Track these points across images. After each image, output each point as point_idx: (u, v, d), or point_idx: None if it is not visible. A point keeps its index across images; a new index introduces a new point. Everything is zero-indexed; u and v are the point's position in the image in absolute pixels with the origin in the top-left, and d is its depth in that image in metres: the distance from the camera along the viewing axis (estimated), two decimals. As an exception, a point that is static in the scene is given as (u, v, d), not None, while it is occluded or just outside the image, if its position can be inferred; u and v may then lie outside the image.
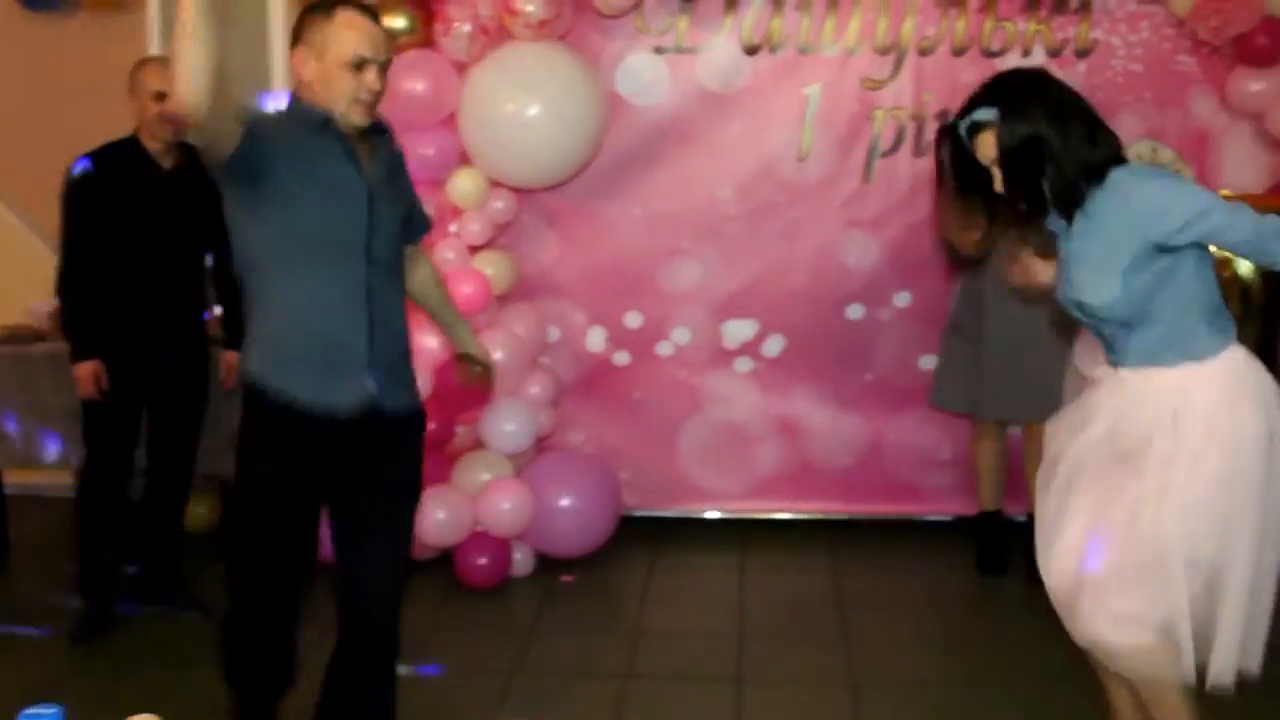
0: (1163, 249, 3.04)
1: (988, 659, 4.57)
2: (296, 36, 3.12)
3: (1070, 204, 3.11)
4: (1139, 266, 3.07)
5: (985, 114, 3.12)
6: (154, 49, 5.62)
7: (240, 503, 3.26)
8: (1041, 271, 3.47)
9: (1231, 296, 5.23)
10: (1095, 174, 3.07)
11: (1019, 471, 5.43)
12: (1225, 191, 5.32)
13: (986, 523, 5.43)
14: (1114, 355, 3.26)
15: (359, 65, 3.06)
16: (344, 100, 3.07)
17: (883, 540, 5.70)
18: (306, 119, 3.10)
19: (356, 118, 3.10)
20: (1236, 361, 3.17)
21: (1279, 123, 5.20)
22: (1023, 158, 3.07)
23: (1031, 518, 5.25)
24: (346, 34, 3.05)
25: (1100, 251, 3.10)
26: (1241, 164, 5.41)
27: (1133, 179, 3.07)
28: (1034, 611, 4.98)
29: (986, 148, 3.14)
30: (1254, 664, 3.19)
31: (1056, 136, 3.05)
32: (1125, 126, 5.45)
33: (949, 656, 4.60)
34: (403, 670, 3.56)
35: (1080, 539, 3.26)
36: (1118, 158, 3.13)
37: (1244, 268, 5.24)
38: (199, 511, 5.39)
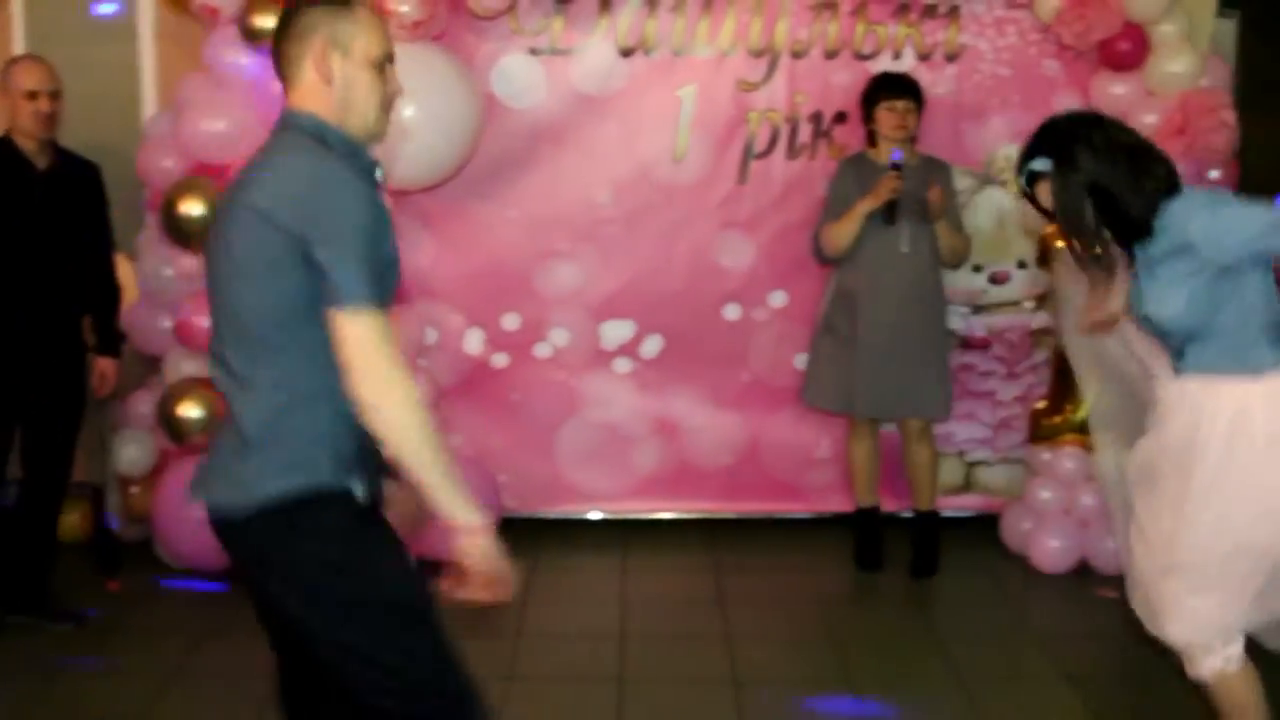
0: (1225, 269, 3.14)
1: (868, 654, 4.65)
2: (307, 32, 2.57)
3: (1130, 239, 3.21)
4: (1202, 283, 3.15)
5: (1040, 164, 3.24)
6: (20, 48, 5.49)
7: (400, 635, 2.60)
8: (1115, 302, 3.50)
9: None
10: (1150, 210, 3.16)
11: (894, 468, 5.54)
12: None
13: (863, 519, 5.51)
14: (1178, 363, 3.32)
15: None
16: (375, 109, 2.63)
17: (762, 538, 5.76)
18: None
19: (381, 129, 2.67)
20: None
21: (1142, 126, 5.33)
22: (1077, 205, 3.18)
23: (917, 514, 5.40)
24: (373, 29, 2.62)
25: (1166, 271, 3.18)
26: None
27: (1185, 211, 3.15)
28: (913, 605, 5.13)
29: (1045, 196, 3.25)
30: None
31: (1107, 180, 3.15)
32: (993, 129, 5.59)
33: (830, 652, 4.67)
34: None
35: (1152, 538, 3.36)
36: (1171, 187, 3.20)
37: None
38: (70, 520, 5.27)
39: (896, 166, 4.99)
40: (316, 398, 2.49)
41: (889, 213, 5.03)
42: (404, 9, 4.94)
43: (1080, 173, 3.16)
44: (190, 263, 5.09)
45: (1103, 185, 3.15)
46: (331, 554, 2.52)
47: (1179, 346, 3.30)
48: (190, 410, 4.95)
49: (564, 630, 4.80)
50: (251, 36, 4.95)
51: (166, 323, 5.15)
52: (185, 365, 5.09)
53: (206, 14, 5.08)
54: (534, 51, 5.46)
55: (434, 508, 2.51)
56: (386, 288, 2.52)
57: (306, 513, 2.50)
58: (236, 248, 2.47)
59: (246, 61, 5.04)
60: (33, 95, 4.37)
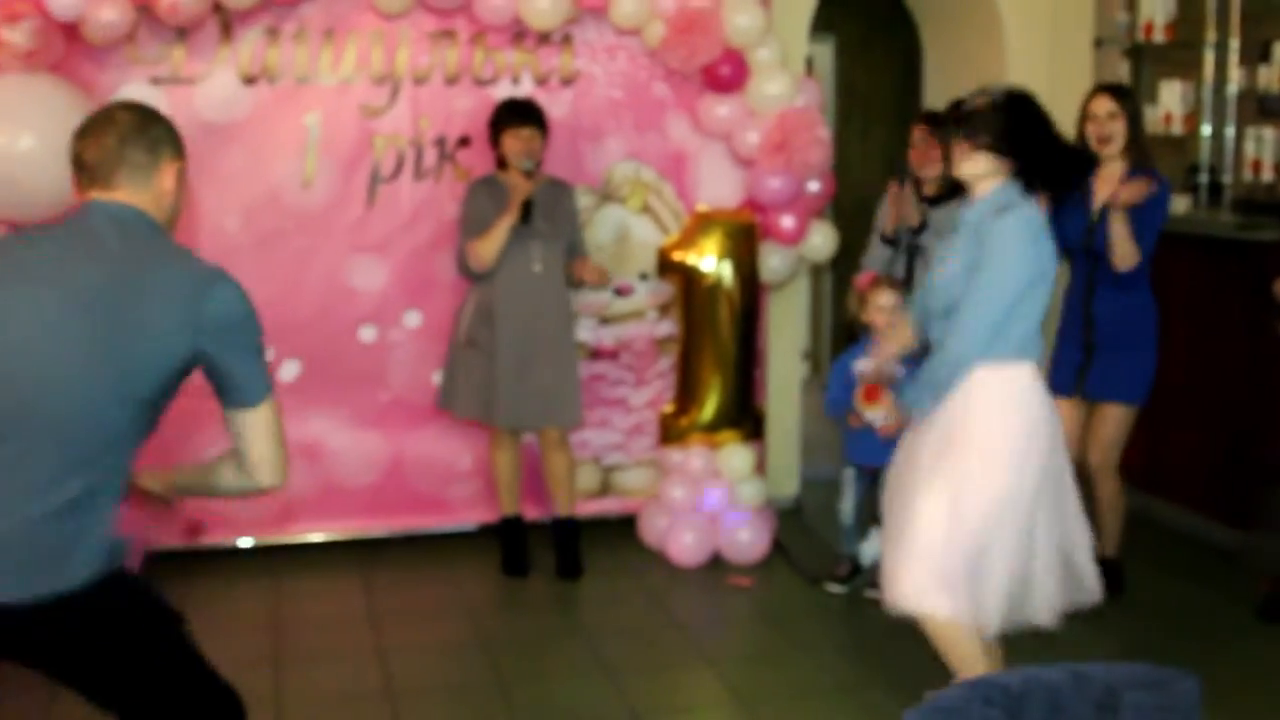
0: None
1: (520, 655, 4.83)
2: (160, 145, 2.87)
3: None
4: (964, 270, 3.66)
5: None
6: None
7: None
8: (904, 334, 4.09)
9: (717, 302, 5.74)
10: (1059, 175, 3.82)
11: (535, 476, 5.75)
12: (703, 207, 5.83)
13: (508, 527, 5.69)
14: (932, 338, 3.84)
15: None
16: None
17: (412, 553, 5.86)
18: None
19: None
20: (1026, 377, 3.72)
21: (745, 143, 5.72)
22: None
23: (559, 519, 5.60)
24: None
25: (964, 245, 3.69)
26: (716, 181, 5.92)
27: (1004, 217, 3.64)
28: (561, 606, 5.34)
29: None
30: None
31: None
32: (610, 149, 5.87)
33: (483, 657, 4.81)
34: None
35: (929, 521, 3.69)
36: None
37: (726, 277, 5.73)
38: None
39: (528, 172, 5.24)
40: None
41: (525, 213, 5.23)
42: (15, 39, 4.82)
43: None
44: None
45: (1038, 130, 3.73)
46: None
47: (936, 318, 3.78)
48: None
49: (217, 659, 4.75)
50: None
51: None
52: None
53: None
54: (155, 81, 5.39)
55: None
56: None
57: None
58: None
59: None
60: None
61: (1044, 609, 3.72)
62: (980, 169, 3.72)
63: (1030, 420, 3.68)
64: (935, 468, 3.69)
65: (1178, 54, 6.60)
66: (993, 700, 1.91)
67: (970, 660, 3.68)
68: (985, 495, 3.61)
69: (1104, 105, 5.00)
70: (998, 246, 3.60)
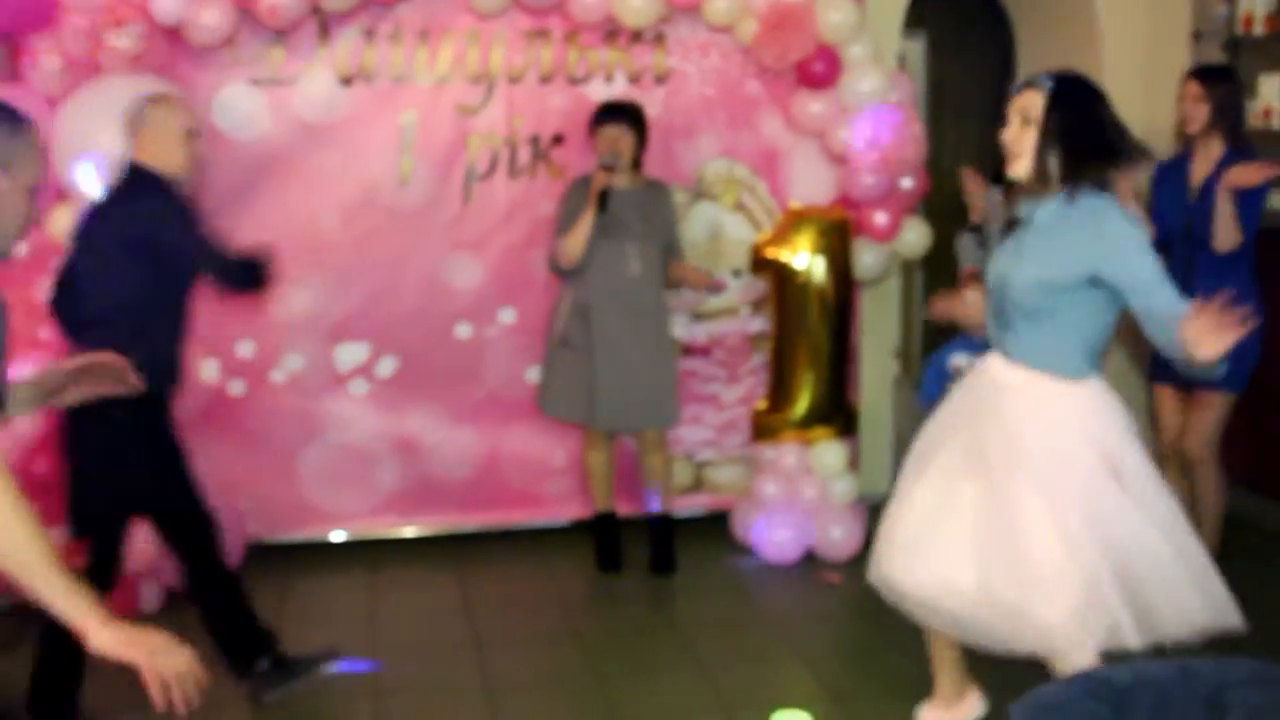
0: (1095, 278, 3.39)
1: (613, 649, 4.86)
2: None
3: (1084, 163, 3.45)
4: (1070, 275, 3.41)
5: (1045, 80, 3.46)
6: None
7: None
8: (975, 307, 3.87)
9: (810, 299, 5.74)
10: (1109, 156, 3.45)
11: (629, 472, 5.78)
12: (796, 203, 5.83)
13: (602, 524, 5.73)
14: (1003, 337, 3.61)
15: None
16: None
17: (506, 548, 5.92)
18: None
19: None
20: (1100, 389, 3.53)
21: (838, 140, 5.70)
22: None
23: (653, 516, 5.61)
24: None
25: (1062, 240, 3.42)
26: (808, 179, 5.91)
27: (1111, 212, 3.40)
28: (653, 601, 5.36)
29: (1028, 104, 3.48)
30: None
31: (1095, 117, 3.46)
32: (702, 147, 5.89)
33: (578, 651, 4.86)
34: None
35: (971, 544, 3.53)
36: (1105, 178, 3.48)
37: (819, 273, 5.72)
38: None
39: (607, 167, 5.25)
40: None
41: (602, 204, 5.24)
42: (122, 43, 4.93)
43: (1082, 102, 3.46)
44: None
45: (1093, 118, 3.45)
46: None
47: (1010, 320, 3.55)
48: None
49: (317, 649, 4.85)
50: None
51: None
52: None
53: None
54: (255, 81, 5.50)
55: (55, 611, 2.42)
56: None
57: None
58: None
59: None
60: None
61: (1173, 620, 3.48)
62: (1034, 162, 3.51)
63: (1122, 432, 3.53)
64: (1012, 481, 3.50)
65: (1278, 47, 6.48)
66: (1099, 695, 1.91)
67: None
68: (1091, 508, 3.45)
69: (1191, 89, 5.12)
70: (1120, 227, 3.40)
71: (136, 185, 4.16)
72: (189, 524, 4.27)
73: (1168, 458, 5.25)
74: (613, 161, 5.27)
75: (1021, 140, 3.49)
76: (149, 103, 4.25)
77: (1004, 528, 3.48)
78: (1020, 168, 3.50)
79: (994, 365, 3.65)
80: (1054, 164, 3.44)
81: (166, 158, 4.20)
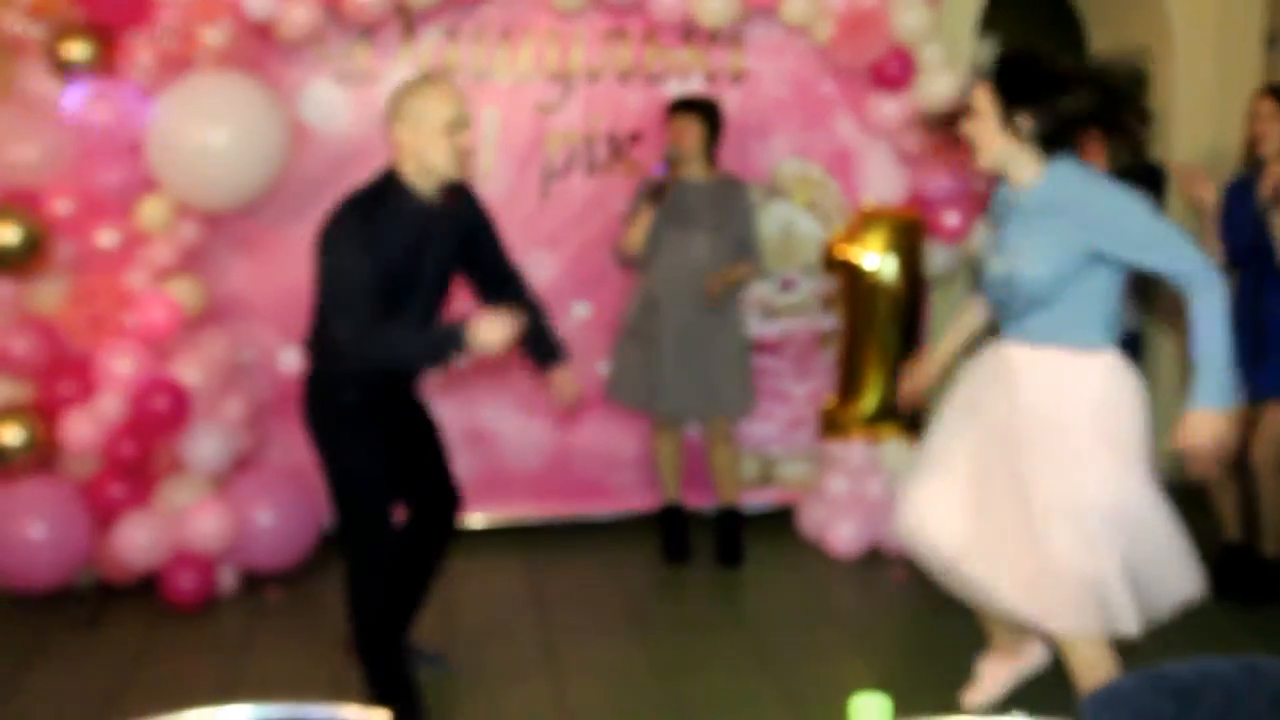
0: (1097, 253, 3.45)
1: (679, 640, 4.94)
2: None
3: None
4: (1072, 255, 3.46)
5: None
6: None
7: None
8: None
9: (880, 298, 5.78)
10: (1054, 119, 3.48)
11: (696, 466, 5.85)
12: (868, 203, 5.88)
13: (669, 515, 5.81)
14: (1014, 327, 3.64)
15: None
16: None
17: (574, 539, 6.00)
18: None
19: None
20: (1116, 359, 3.58)
21: (912, 141, 5.75)
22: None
23: (721, 509, 5.67)
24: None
25: (1043, 227, 3.48)
26: (881, 179, 5.97)
27: (1083, 181, 3.49)
28: (719, 594, 5.42)
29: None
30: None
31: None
32: (776, 147, 5.95)
33: (643, 642, 4.93)
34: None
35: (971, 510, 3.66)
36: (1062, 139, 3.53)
37: (889, 273, 5.77)
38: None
39: (670, 159, 5.33)
40: None
41: (657, 193, 5.32)
42: (213, 38, 5.06)
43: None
44: (5, 289, 5.15)
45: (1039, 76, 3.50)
46: None
47: (1022, 310, 3.58)
48: (10, 437, 5.00)
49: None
50: (60, 66, 5.03)
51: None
52: (2, 391, 5.12)
53: (13, 44, 5.12)
54: (340, 78, 5.62)
55: None
56: None
57: None
58: None
59: (56, 90, 5.11)
60: None
61: (1167, 595, 3.58)
62: (999, 150, 3.56)
63: (1137, 405, 3.59)
64: (1039, 462, 3.55)
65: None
66: (1165, 691, 1.96)
67: (1098, 660, 3.58)
68: (1109, 489, 3.50)
69: (1265, 106, 5.09)
70: (1104, 198, 3.45)
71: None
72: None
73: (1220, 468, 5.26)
74: (674, 154, 5.34)
75: (980, 133, 3.55)
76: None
77: (1021, 516, 3.56)
78: (983, 159, 3.57)
79: (1008, 350, 3.69)
80: (1027, 142, 3.50)
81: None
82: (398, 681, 4.07)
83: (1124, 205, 3.43)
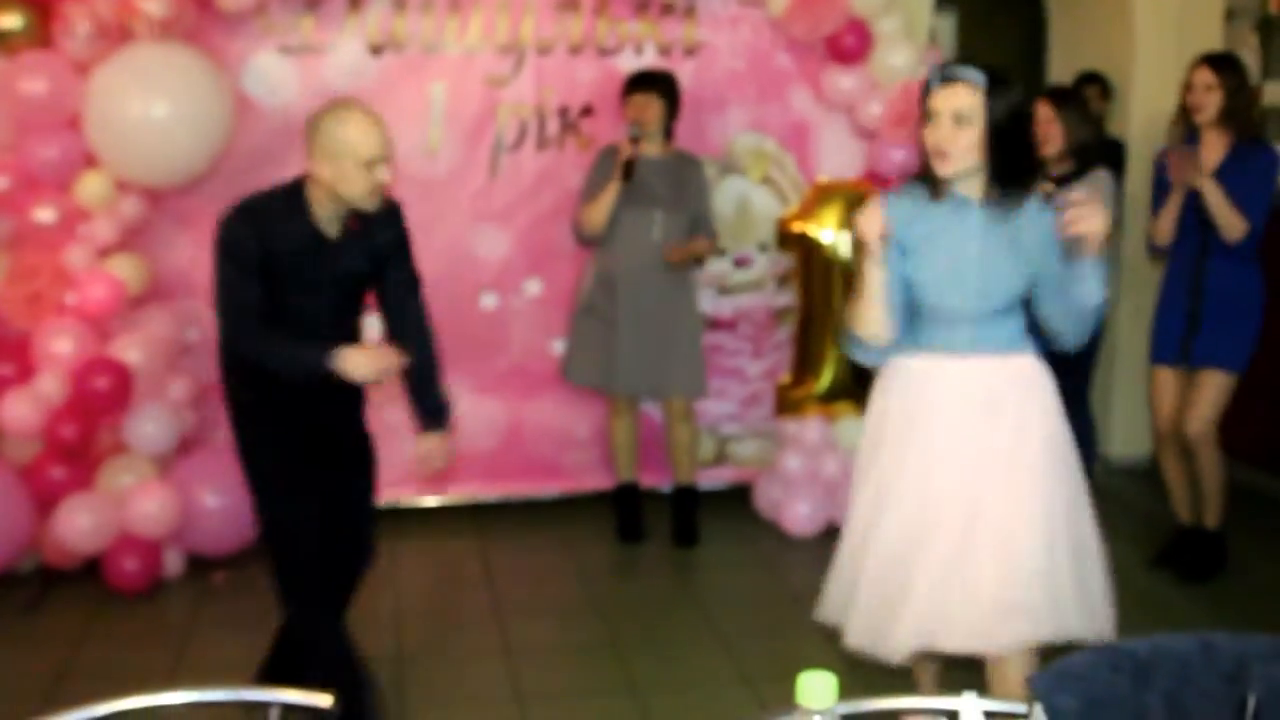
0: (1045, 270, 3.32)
1: (634, 620, 4.89)
2: None
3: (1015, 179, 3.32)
4: (1033, 272, 3.34)
5: (975, 75, 3.26)
6: None
7: None
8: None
9: (836, 274, 5.73)
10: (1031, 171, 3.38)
11: (652, 444, 5.79)
12: (824, 178, 5.82)
13: (624, 494, 5.75)
14: (961, 341, 3.41)
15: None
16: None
17: (528, 518, 5.94)
18: None
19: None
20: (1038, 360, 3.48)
21: (868, 114, 5.69)
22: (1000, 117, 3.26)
23: (677, 488, 5.59)
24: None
25: (1017, 253, 3.32)
26: (837, 153, 5.92)
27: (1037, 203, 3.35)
28: (675, 573, 5.38)
29: (957, 99, 3.25)
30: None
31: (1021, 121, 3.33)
32: (731, 120, 5.89)
33: (599, 621, 4.89)
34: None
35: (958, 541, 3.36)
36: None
37: (845, 248, 5.71)
38: None
39: (633, 137, 5.26)
40: None
41: (627, 173, 5.24)
42: (152, 7, 4.95)
43: (1009, 99, 3.27)
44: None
45: (1021, 118, 3.32)
46: None
47: (971, 319, 3.38)
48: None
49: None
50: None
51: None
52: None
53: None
54: (285, 50, 5.51)
55: None
56: None
57: None
58: None
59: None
60: None
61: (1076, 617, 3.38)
62: (973, 162, 3.32)
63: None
64: (1016, 472, 3.37)
65: (1312, 27, 6.45)
66: (1121, 668, 1.91)
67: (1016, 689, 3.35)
68: (1065, 497, 3.38)
69: (1202, 76, 5.01)
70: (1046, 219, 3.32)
71: None
72: None
73: (1165, 440, 5.25)
74: (638, 131, 5.28)
75: (956, 140, 3.26)
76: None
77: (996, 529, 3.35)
78: (949, 167, 3.29)
79: (942, 365, 3.45)
80: (1001, 166, 3.31)
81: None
82: (343, 663, 3.97)
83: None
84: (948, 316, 3.40)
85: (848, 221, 5.70)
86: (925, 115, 3.31)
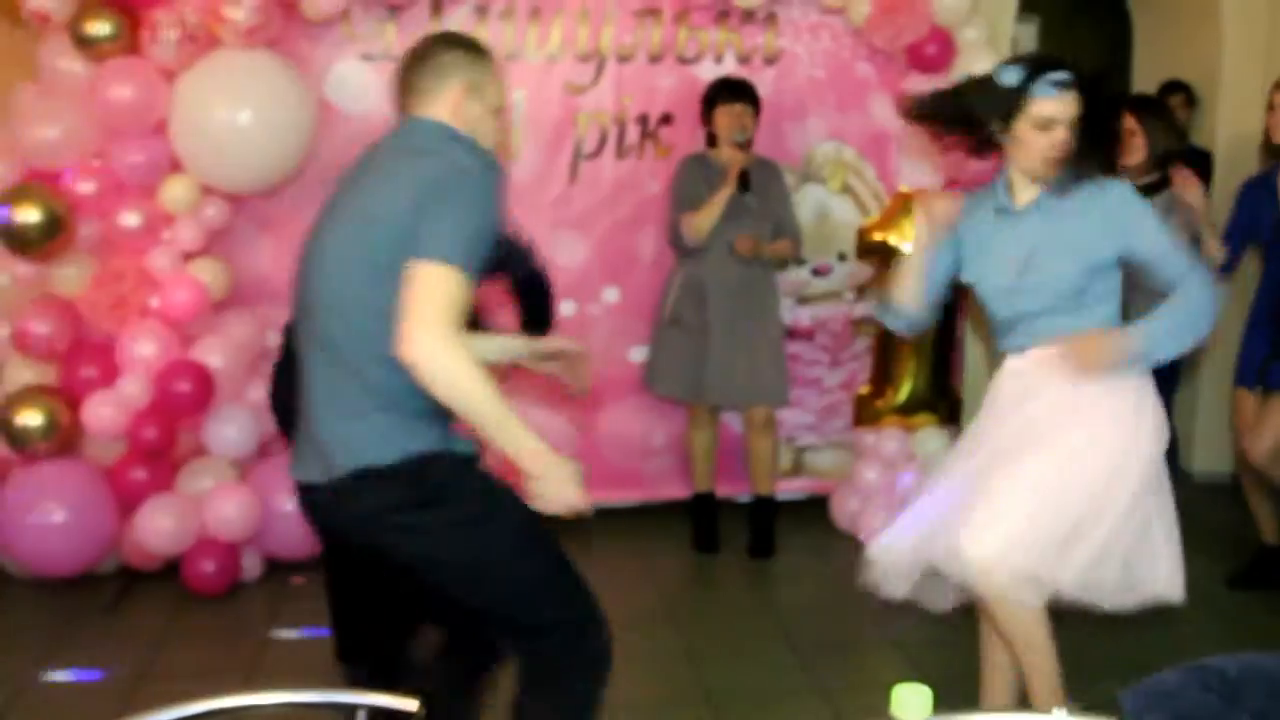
0: (1109, 264, 3.35)
1: (710, 630, 4.86)
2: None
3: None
4: (1099, 262, 3.35)
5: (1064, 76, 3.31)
6: None
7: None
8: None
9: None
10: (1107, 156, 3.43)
11: (731, 454, 5.76)
12: (904, 187, 5.78)
13: (702, 504, 5.73)
14: (1025, 339, 3.50)
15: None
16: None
17: (605, 527, 5.90)
18: None
19: None
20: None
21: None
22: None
23: (755, 498, 5.56)
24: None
25: (1073, 240, 3.34)
26: (917, 164, 5.85)
27: (1127, 196, 3.36)
28: (751, 584, 5.34)
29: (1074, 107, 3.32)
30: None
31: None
32: (811, 129, 5.86)
33: (674, 631, 4.86)
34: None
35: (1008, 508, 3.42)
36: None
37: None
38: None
39: (740, 144, 5.27)
40: None
41: (743, 183, 5.24)
42: (237, 15, 4.99)
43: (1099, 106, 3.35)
44: (27, 271, 5.11)
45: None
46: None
47: (1038, 319, 3.44)
48: (30, 420, 4.95)
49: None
50: (83, 43, 4.97)
51: (4, 331, 5.13)
52: (24, 374, 5.08)
53: (37, 21, 5.07)
54: (367, 57, 5.54)
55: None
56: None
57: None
58: None
59: (79, 68, 5.05)
60: None
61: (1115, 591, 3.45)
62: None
63: (1147, 401, 3.47)
64: (1043, 439, 3.44)
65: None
66: (1210, 686, 1.87)
67: (1034, 633, 3.53)
68: (1094, 472, 3.38)
69: None
70: (1129, 204, 3.36)
71: None
72: None
73: (1246, 461, 5.13)
74: (743, 139, 5.28)
75: (1067, 147, 3.34)
76: None
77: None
78: (1055, 173, 3.37)
79: (1026, 362, 3.55)
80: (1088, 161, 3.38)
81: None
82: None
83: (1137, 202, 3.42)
84: (1008, 322, 3.56)
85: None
86: (1030, 120, 3.33)
